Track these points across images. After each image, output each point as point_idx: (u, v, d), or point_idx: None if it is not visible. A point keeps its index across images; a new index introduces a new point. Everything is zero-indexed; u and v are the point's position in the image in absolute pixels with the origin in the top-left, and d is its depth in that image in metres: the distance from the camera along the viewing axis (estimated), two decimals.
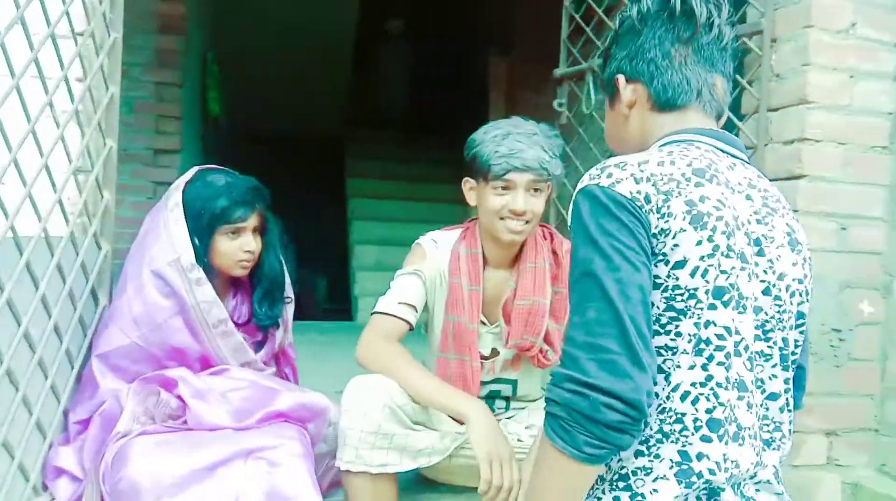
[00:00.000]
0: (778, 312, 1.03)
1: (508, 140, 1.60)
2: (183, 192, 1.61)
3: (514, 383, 1.82)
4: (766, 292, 1.01)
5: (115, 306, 1.59)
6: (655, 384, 0.93)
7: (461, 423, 1.67)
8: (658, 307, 0.96)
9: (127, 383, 1.56)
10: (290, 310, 1.79)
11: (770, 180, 2.05)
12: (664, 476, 0.95)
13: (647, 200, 0.95)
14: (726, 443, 0.96)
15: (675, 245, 0.94)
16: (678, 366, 0.96)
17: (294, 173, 6.88)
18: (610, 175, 0.97)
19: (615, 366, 0.86)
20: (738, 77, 2.16)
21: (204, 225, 1.59)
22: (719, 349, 0.96)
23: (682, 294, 0.95)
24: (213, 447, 1.37)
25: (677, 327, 0.95)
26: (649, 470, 0.96)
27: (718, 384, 0.96)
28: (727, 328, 0.96)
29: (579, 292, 0.93)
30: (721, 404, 0.96)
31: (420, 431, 1.58)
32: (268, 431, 1.46)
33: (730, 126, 2.22)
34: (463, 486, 1.76)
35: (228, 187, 1.62)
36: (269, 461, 1.38)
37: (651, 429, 0.96)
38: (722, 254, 0.96)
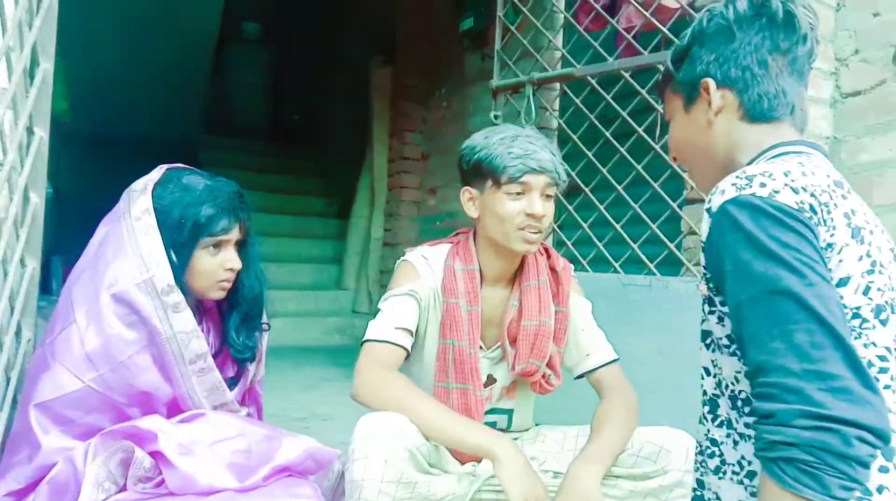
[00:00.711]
0: None
1: (519, 142, 1.48)
2: (152, 196, 1.30)
3: (510, 413, 1.69)
4: None
5: (57, 341, 1.24)
6: None
7: (477, 460, 1.52)
8: None
9: (75, 438, 1.22)
10: (265, 339, 1.52)
11: None
12: None
13: (813, 210, 0.87)
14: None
15: (840, 261, 0.89)
16: None
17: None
18: (763, 185, 0.87)
19: (851, 393, 0.76)
20: None
21: (185, 238, 1.30)
22: (883, 371, 0.90)
23: (845, 314, 0.88)
24: None
25: None
26: None
27: (888, 409, 0.88)
28: (888, 348, 0.91)
29: (770, 312, 0.82)
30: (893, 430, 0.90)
31: (439, 476, 1.41)
32: (277, 491, 1.20)
33: None
34: None
35: (211, 192, 1.34)
36: None
37: None
38: (878, 270, 0.91)
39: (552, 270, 1.64)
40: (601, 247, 2.41)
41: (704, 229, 0.93)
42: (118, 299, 1.24)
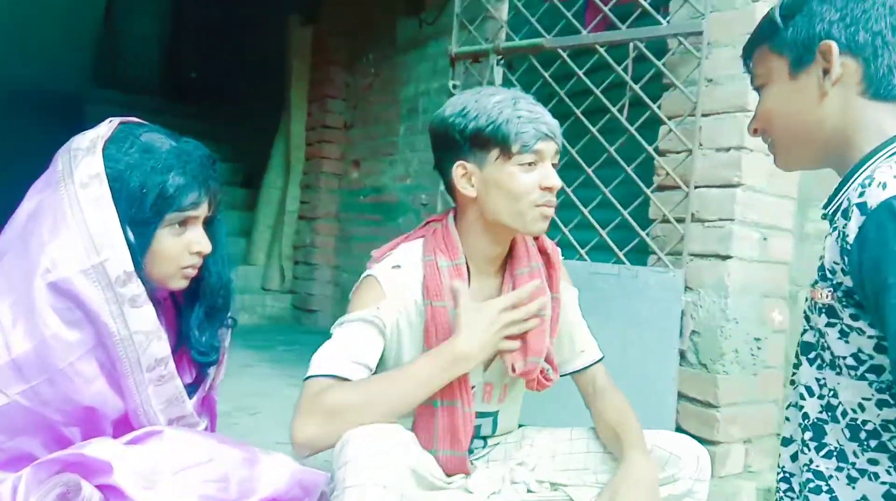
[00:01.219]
0: None
1: (523, 104, 1.27)
2: (103, 157, 1.02)
3: (495, 415, 1.50)
4: None
5: None
6: None
7: (465, 472, 1.35)
8: None
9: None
10: (228, 337, 1.26)
11: (697, 187, 2.05)
12: None
13: None
14: None
15: None
16: None
17: (21, 135, 5.56)
18: None
19: None
20: (672, 79, 2.10)
21: (147, 213, 1.03)
22: None
23: None
24: None
25: None
26: None
27: None
28: None
29: None
30: None
31: (437, 493, 1.23)
32: None
33: (655, 127, 2.15)
34: None
35: (179, 156, 1.07)
36: None
37: None
38: None
39: (542, 252, 1.45)
40: (566, 232, 2.28)
41: (853, 226, 0.79)
42: (57, 290, 0.96)
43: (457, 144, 1.31)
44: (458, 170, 1.32)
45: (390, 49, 4.21)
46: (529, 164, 1.26)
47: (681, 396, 2.07)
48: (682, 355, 2.07)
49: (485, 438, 1.49)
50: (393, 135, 4.18)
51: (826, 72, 0.90)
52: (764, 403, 2.12)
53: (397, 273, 1.32)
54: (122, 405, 1.03)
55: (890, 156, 0.85)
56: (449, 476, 1.34)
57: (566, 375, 1.48)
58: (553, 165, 1.31)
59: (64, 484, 0.91)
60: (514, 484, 1.41)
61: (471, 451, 1.42)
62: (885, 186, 0.77)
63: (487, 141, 1.27)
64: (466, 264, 1.36)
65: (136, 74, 7.16)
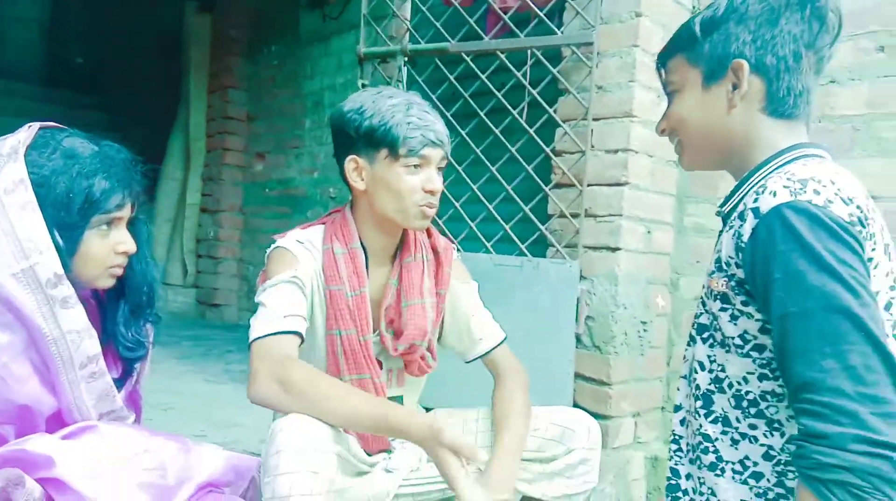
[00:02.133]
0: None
1: (415, 111, 1.37)
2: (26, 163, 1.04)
3: (399, 399, 1.62)
4: None
5: None
6: None
7: (385, 449, 1.45)
8: None
9: None
10: (153, 333, 1.31)
11: (589, 185, 2.23)
12: None
13: (862, 223, 0.87)
14: None
15: (874, 275, 0.89)
16: None
17: None
18: (817, 192, 0.86)
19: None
20: (566, 85, 2.27)
21: (74, 217, 1.06)
22: None
23: None
24: None
25: None
26: None
27: None
28: None
29: (824, 329, 0.81)
30: None
31: (362, 479, 1.33)
32: None
33: (551, 130, 2.32)
34: None
35: (103, 160, 1.11)
36: None
37: None
38: None
39: (433, 250, 1.56)
40: (473, 226, 2.41)
41: (747, 228, 0.90)
42: None
43: (351, 139, 1.41)
44: (349, 164, 1.42)
45: (293, 42, 4.20)
46: (415, 166, 1.37)
47: (577, 375, 2.25)
48: (579, 338, 2.25)
49: None
50: (298, 128, 4.18)
51: (736, 87, 0.99)
52: (650, 380, 2.34)
53: (302, 247, 1.41)
54: (56, 403, 1.07)
55: (779, 167, 0.97)
56: (371, 455, 1.45)
57: (471, 361, 1.61)
58: (439, 169, 1.43)
59: (6, 478, 0.95)
60: (430, 462, 1.53)
61: None
62: (775, 194, 0.87)
63: (378, 141, 1.37)
64: (365, 251, 1.46)
65: (15, 60, 6.72)
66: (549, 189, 2.30)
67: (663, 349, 2.39)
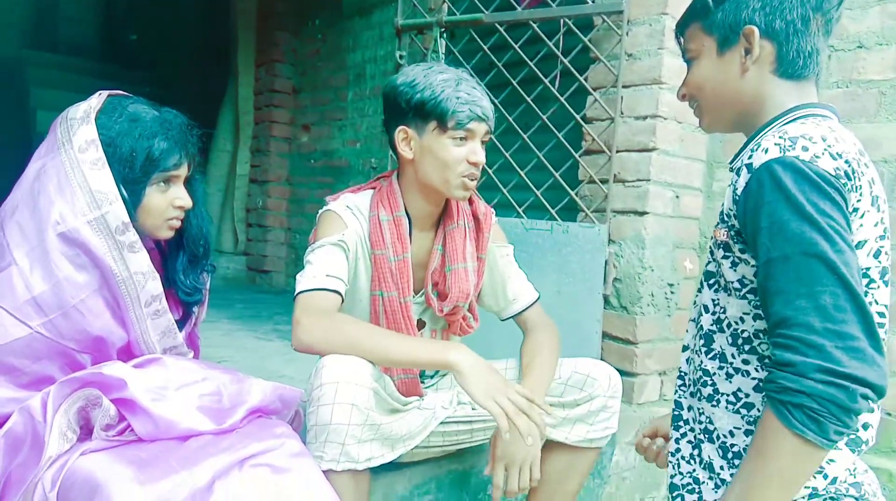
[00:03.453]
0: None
1: (464, 86, 1.47)
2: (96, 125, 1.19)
3: None
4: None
5: None
6: None
7: (419, 394, 1.57)
8: None
9: (22, 388, 1.13)
10: (209, 281, 1.46)
11: (618, 152, 2.29)
12: (839, 447, 1.00)
13: (848, 177, 0.93)
14: (878, 410, 1.03)
15: (861, 225, 0.95)
16: None
17: None
18: (805, 149, 0.92)
19: (864, 354, 0.85)
20: (597, 53, 2.33)
21: (137, 173, 1.20)
22: (880, 326, 0.98)
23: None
24: (206, 459, 1.07)
25: None
26: None
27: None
28: (886, 306, 1.01)
29: (801, 273, 0.89)
30: None
31: (398, 416, 1.45)
32: (253, 431, 1.18)
33: (583, 96, 2.38)
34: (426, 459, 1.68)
35: (163, 124, 1.24)
36: (272, 466, 1.12)
37: None
38: (889, 236, 1.00)
39: (474, 216, 1.67)
40: (506, 192, 2.50)
41: (741, 181, 0.97)
42: (66, 239, 1.14)
43: (402, 110, 1.51)
44: (399, 134, 1.52)
45: (336, 16, 4.30)
46: (461, 138, 1.47)
47: (605, 335, 2.35)
48: (606, 299, 2.34)
49: (431, 375, 1.72)
50: (342, 100, 4.31)
51: (748, 51, 1.06)
52: (676, 340, 2.41)
53: (350, 212, 1.53)
54: (126, 336, 1.22)
55: (783, 125, 1.03)
56: (405, 397, 1.58)
57: (505, 319, 1.72)
58: (483, 142, 1.53)
59: (85, 398, 1.11)
60: (461, 404, 1.65)
61: (422, 380, 1.66)
62: (767, 150, 0.94)
63: (428, 113, 1.47)
64: (409, 217, 1.57)
65: (74, 36, 7.01)
66: (580, 156, 2.38)
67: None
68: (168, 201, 1.28)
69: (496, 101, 2.49)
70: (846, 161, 0.93)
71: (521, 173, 2.44)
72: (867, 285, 0.98)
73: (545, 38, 2.38)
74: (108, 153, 1.18)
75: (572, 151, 2.37)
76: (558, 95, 2.37)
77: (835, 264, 0.88)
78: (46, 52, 6.45)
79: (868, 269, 0.98)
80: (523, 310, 1.69)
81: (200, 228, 1.38)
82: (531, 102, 2.43)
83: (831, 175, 0.91)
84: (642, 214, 2.26)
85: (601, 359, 2.32)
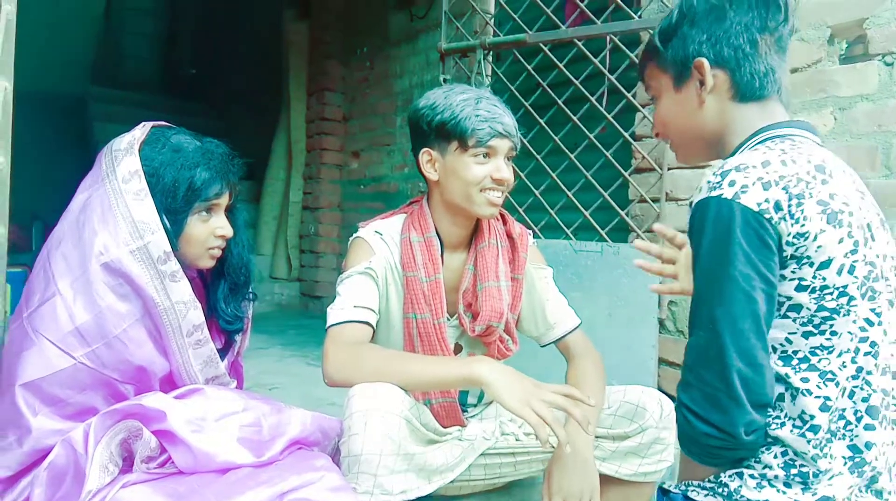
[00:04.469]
0: (889, 292, 1.05)
1: (484, 104, 1.45)
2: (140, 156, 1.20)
3: None
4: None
5: (38, 315, 1.13)
6: (768, 406, 0.96)
7: (460, 424, 1.53)
8: (809, 309, 0.95)
9: (66, 419, 1.13)
10: (251, 309, 1.45)
11: (669, 169, 2.22)
12: (839, 472, 0.96)
13: (778, 207, 0.92)
14: (885, 428, 0.98)
15: (819, 246, 0.93)
16: (843, 365, 0.96)
17: (31, 132, 5.72)
18: (733, 183, 0.92)
19: (715, 400, 0.92)
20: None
21: (179, 203, 1.21)
22: (863, 340, 0.97)
23: (831, 293, 0.94)
24: (244, 493, 1.05)
25: (832, 326, 0.95)
26: (826, 471, 0.95)
27: (869, 372, 0.97)
28: (868, 320, 0.97)
29: (693, 308, 0.97)
30: (874, 390, 0.97)
31: (434, 447, 1.41)
32: (292, 464, 1.16)
33: (631, 113, 2.32)
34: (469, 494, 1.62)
35: (205, 154, 1.25)
36: None
37: (822, 431, 0.95)
38: (861, 248, 0.96)
39: (509, 236, 1.63)
40: (553, 214, 2.46)
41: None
42: (109, 269, 1.15)
43: (424, 132, 1.50)
44: (423, 156, 1.52)
45: (383, 43, 4.36)
46: (484, 155, 1.45)
47: (661, 361, 2.26)
48: (662, 323, 2.25)
49: (474, 404, 1.67)
50: (390, 126, 4.34)
51: (702, 83, 1.07)
52: None
53: (379, 238, 1.53)
54: (168, 365, 1.22)
55: (752, 147, 1.03)
56: (445, 427, 1.53)
57: (545, 345, 1.66)
58: (509, 159, 1.50)
59: (127, 430, 1.10)
60: (505, 435, 1.60)
61: (464, 409, 1.61)
62: (700, 189, 0.96)
63: (449, 133, 1.45)
64: (440, 238, 1.55)
65: (135, 72, 7.31)
66: (629, 174, 2.32)
67: None
68: (209, 230, 1.28)
69: (541, 121, 2.46)
70: (784, 188, 0.92)
71: (569, 194, 2.39)
72: (847, 303, 0.94)
73: (591, 57, 2.34)
74: (150, 184, 1.19)
75: (621, 169, 2.31)
76: (606, 114, 2.32)
77: (712, 311, 0.93)
78: (109, 88, 6.72)
79: (846, 286, 0.95)
80: (565, 335, 1.62)
81: (241, 256, 1.38)
82: (578, 122, 2.38)
83: (750, 212, 0.91)
84: None
85: (657, 386, 2.24)
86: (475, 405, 1.66)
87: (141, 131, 1.26)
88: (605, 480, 1.52)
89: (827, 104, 2.16)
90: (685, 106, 1.10)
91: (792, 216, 0.92)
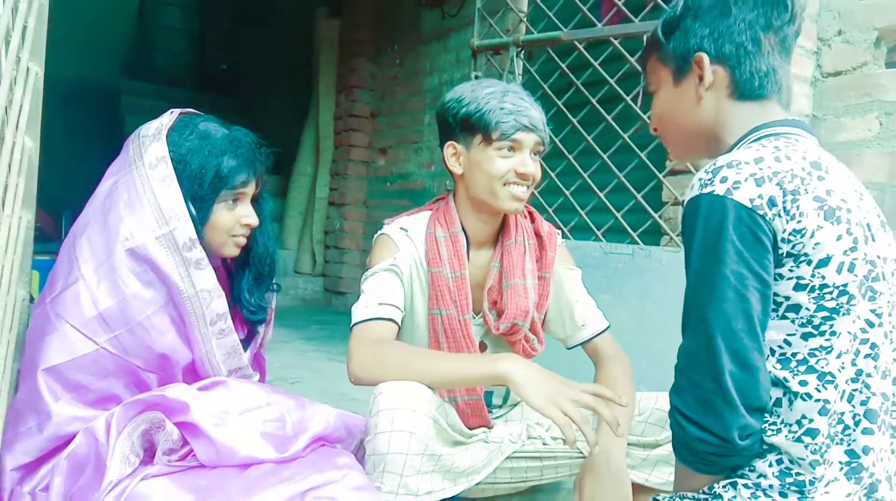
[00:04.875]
0: (891, 295, 1.01)
1: (510, 98, 1.42)
2: (167, 143, 1.18)
3: None
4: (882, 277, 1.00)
5: (62, 299, 1.12)
6: (763, 410, 0.92)
7: (486, 425, 1.49)
8: (808, 309, 0.92)
9: (88, 406, 1.11)
10: (275, 300, 1.43)
11: None
12: (835, 478, 0.92)
13: (772, 203, 0.89)
14: (883, 433, 0.95)
15: (817, 243, 0.90)
16: (843, 367, 0.92)
17: (65, 124, 5.80)
18: (724, 179, 0.90)
19: (709, 403, 0.89)
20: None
21: (205, 190, 1.19)
22: (864, 342, 0.94)
23: (830, 292, 0.91)
24: (266, 490, 1.02)
25: (832, 326, 0.92)
26: (822, 478, 0.92)
27: (868, 375, 0.94)
28: (868, 321, 0.94)
29: (685, 310, 0.94)
30: (874, 393, 0.94)
31: (460, 448, 1.37)
32: (315, 461, 1.13)
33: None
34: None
35: (232, 142, 1.23)
36: (333, 500, 1.06)
37: (821, 435, 0.92)
38: (861, 246, 0.93)
39: (537, 235, 1.59)
40: (584, 215, 2.41)
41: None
42: (134, 255, 1.13)
43: (450, 126, 1.48)
44: (448, 149, 1.49)
45: (414, 40, 4.34)
46: (509, 149, 1.42)
47: None
48: None
49: (499, 405, 1.63)
50: (418, 124, 4.32)
51: (701, 79, 1.05)
52: None
53: (404, 235, 1.50)
54: (190, 355, 1.20)
55: (746, 146, 1.00)
56: (471, 428, 1.50)
57: (572, 347, 1.62)
58: (537, 153, 1.46)
59: (149, 421, 1.08)
60: (531, 439, 1.56)
61: (490, 410, 1.57)
62: (692, 187, 0.93)
63: (473, 126, 1.43)
64: (466, 234, 1.52)
65: (167, 66, 7.39)
66: (664, 176, 2.26)
67: None
68: (235, 218, 1.26)
69: (574, 121, 2.41)
70: (778, 184, 0.90)
71: (601, 195, 2.34)
72: (847, 302, 0.91)
73: (627, 56, 2.29)
74: (177, 170, 1.18)
75: (656, 171, 2.25)
76: (641, 114, 2.26)
77: (704, 312, 0.90)
78: (141, 82, 6.79)
79: (846, 285, 0.92)
80: (593, 337, 1.57)
81: (266, 246, 1.35)
82: (611, 122, 2.33)
83: (743, 209, 0.89)
84: None
85: None
86: (500, 406, 1.63)
87: (169, 118, 1.24)
88: (635, 488, 1.48)
89: (872, 108, 2.09)
90: (683, 101, 1.08)
91: (787, 212, 0.89)
